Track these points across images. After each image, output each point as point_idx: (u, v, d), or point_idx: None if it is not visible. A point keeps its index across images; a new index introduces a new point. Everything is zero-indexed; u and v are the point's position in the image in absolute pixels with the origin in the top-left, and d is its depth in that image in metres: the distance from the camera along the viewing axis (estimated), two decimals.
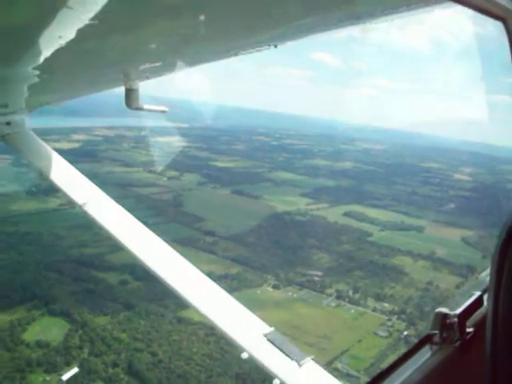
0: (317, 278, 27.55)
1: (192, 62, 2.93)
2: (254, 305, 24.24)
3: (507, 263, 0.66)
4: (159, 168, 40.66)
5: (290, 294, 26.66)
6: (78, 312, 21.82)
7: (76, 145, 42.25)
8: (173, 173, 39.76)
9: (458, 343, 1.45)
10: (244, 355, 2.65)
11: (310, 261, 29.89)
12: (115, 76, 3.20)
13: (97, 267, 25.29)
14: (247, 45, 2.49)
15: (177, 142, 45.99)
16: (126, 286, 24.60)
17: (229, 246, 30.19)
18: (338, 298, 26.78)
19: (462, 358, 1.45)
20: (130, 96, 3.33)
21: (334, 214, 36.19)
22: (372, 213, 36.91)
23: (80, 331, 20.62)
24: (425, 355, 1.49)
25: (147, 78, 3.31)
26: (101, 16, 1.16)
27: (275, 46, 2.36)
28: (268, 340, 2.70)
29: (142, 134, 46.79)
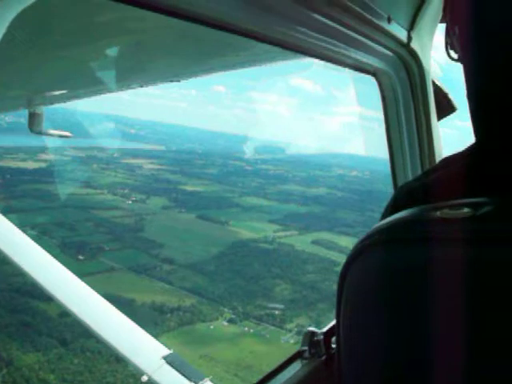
0: (277, 312, 25.75)
1: (95, 91, 3.07)
2: (203, 341, 22.61)
3: (348, 280, 0.57)
4: (125, 190, 40.24)
5: (246, 329, 24.56)
6: (6, 348, 19.56)
7: (42, 164, 41.07)
8: (139, 196, 38.69)
9: (323, 358, 1.66)
10: (144, 378, 2.72)
11: (272, 292, 28.16)
12: (18, 99, 3.31)
13: (38, 297, 22.11)
14: (150, 79, 2.80)
15: (149, 164, 45.89)
16: (66, 318, 20.85)
17: (186, 275, 28.10)
18: (298, 333, 24.04)
19: (327, 371, 1.65)
20: (33, 120, 3.30)
21: (302, 242, 34.79)
22: (342, 241, 35.09)
23: (4, 371, 18.17)
24: (295, 369, 1.66)
25: (51, 103, 3.56)
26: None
27: (178, 81, 2.78)
28: (167, 362, 2.76)
29: (115, 155, 46.79)
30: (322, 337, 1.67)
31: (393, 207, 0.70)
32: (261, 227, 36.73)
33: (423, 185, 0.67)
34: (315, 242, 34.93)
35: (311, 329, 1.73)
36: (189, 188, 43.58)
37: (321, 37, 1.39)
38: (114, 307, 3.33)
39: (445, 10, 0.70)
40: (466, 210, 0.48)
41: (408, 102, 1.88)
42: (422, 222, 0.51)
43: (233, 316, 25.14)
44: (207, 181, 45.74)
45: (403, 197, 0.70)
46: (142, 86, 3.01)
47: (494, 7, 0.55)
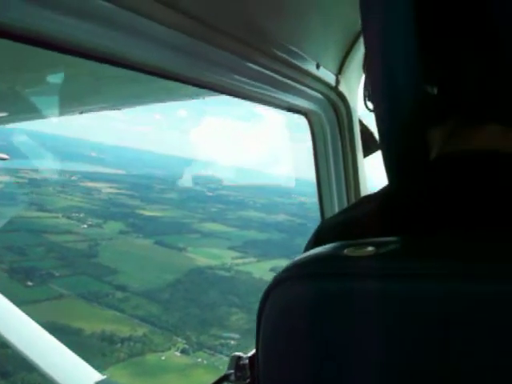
0: (232, 342, 24.89)
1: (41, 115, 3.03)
2: (153, 373, 21.97)
3: (265, 310, 0.62)
4: (81, 215, 39.32)
5: (199, 360, 23.72)
6: None
7: None
8: (95, 220, 37.77)
9: (247, 381, 1.78)
10: None
11: (228, 321, 27.46)
12: None
13: None
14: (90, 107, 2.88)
15: (107, 188, 45.05)
16: (6, 349, 21.26)
17: (140, 303, 27.09)
18: None
19: None
20: None
21: (260, 269, 33.75)
22: None
23: None
24: None
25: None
26: None
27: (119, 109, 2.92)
28: None
29: (73, 178, 45.83)
30: (247, 361, 1.78)
31: (314, 242, 0.72)
32: (219, 254, 36.09)
33: (342, 221, 0.71)
34: (273, 270, 34.61)
35: (237, 353, 1.84)
36: (147, 213, 42.87)
37: (253, 82, 1.45)
38: (54, 337, 3.26)
39: (365, 61, 0.77)
40: (370, 248, 0.52)
41: (336, 140, 1.97)
42: (329, 259, 0.55)
43: (186, 346, 24.40)
44: (167, 206, 45.18)
45: (324, 232, 0.73)
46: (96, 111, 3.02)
47: (397, 70, 0.62)
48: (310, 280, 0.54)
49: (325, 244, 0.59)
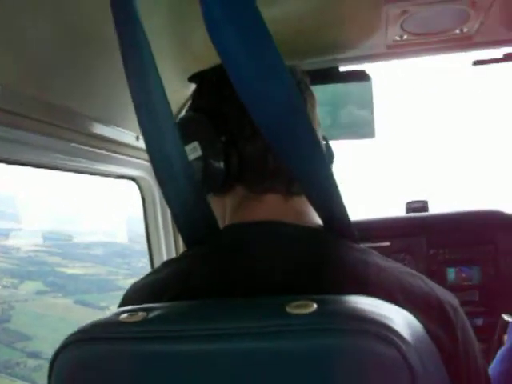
0: None
1: None
2: None
3: (54, 370, 0.60)
4: None
5: None
6: None
7: None
8: (10, 280, 35.85)
9: None
10: None
11: None
12: None
13: None
14: None
15: (25, 245, 42.86)
16: None
17: None
18: None
19: None
20: None
21: None
22: None
23: None
24: None
25: None
26: None
27: None
28: None
29: None
30: None
31: (121, 303, 0.74)
32: None
33: (147, 283, 0.72)
34: None
35: None
36: (68, 270, 40.94)
37: (74, 158, 1.48)
38: None
39: None
40: (140, 313, 0.56)
41: (164, 202, 2.05)
42: (106, 325, 0.57)
43: None
44: (89, 262, 43.42)
45: (130, 294, 0.73)
46: None
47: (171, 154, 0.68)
48: (90, 344, 0.57)
49: (131, 305, 0.62)
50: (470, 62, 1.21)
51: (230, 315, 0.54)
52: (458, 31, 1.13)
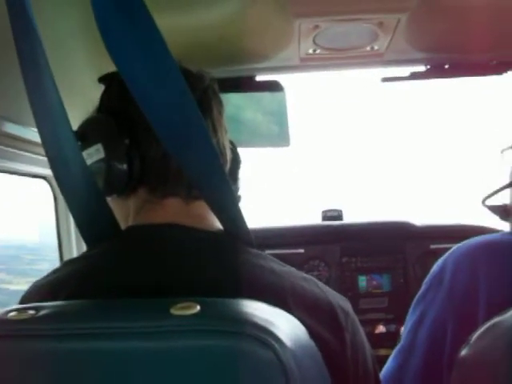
0: None
1: None
2: None
3: None
4: None
5: None
6: None
7: None
8: None
9: None
10: None
11: None
12: None
13: None
14: None
15: None
16: None
17: None
18: None
19: None
20: None
21: None
22: None
23: None
24: None
25: None
26: None
27: None
28: None
29: None
30: None
31: (19, 302, 0.73)
32: None
33: (47, 282, 0.71)
34: None
35: None
36: (13, 287, 38.76)
37: None
38: None
39: None
40: (30, 312, 0.55)
41: None
42: None
43: None
44: (35, 278, 41.14)
45: (30, 293, 0.73)
46: None
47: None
48: None
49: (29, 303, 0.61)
50: (380, 79, 1.28)
51: (116, 315, 0.55)
52: (368, 48, 1.19)
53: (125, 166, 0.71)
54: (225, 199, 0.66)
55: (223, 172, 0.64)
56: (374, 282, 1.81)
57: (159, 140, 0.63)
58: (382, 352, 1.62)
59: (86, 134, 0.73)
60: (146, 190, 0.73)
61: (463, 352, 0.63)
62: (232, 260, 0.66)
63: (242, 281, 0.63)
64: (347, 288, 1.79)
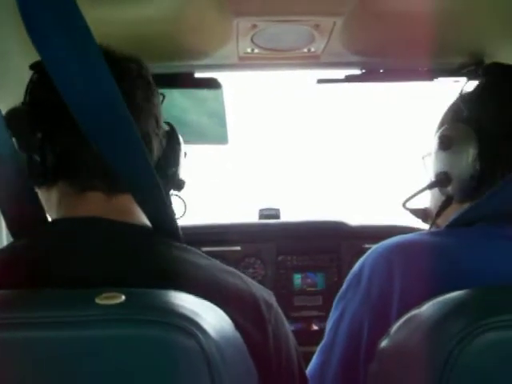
0: None
1: None
2: None
3: None
4: None
5: None
6: None
7: None
8: None
9: None
10: None
11: None
12: None
13: None
14: None
15: None
16: None
17: None
18: None
19: None
20: None
21: None
22: None
23: None
24: None
25: None
26: None
27: None
28: None
29: None
30: None
31: None
32: None
33: None
34: None
35: None
36: None
37: None
38: None
39: None
40: None
41: None
42: None
43: None
44: None
45: None
46: None
47: None
48: None
49: None
50: (316, 80, 1.31)
51: (40, 305, 0.54)
52: (305, 50, 1.21)
53: (38, 159, 0.71)
54: (153, 193, 0.66)
55: (147, 162, 0.63)
56: (309, 280, 1.85)
57: (77, 132, 0.62)
58: (317, 349, 1.66)
59: (8, 125, 0.72)
60: (66, 183, 0.73)
61: (383, 343, 0.66)
62: (155, 253, 0.66)
63: (165, 273, 0.63)
64: (282, 286, 1.82)
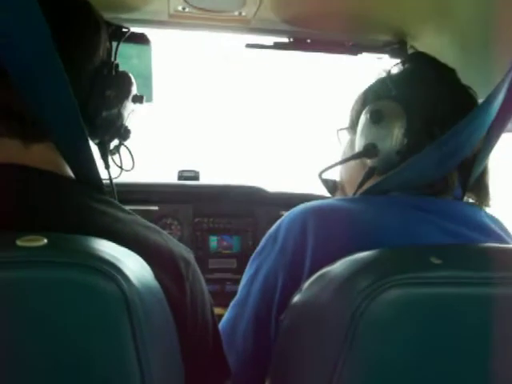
0: None
1: None
2: None
3: None
4: None
5: None
6: None
7: None
8: None
9: None
10: None
11: None
12: None
13: None
14: None
15: None
16: None
17: None
18: None
19: None
20: None
21: None
22: None
23: None
24: None
25: None
26: None
27: None
28: None
29: None
30: None
31: None
32: None
33: None
34: None
35: None
36: None
37: None
38: None
39: None
40: None
41: None
42: None
43: None
44: None
45: None
46: None
47: None
48: None
49: None
50: (244, 45, 1.32)
51: None
52: (236, 13, 1.22)
53: None
54: (77, 144, 0.65)
55: (73, 108, 0.61)
56: (225, 243, 1.89)
57: None
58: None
59: None
60: None
61: (295, 298, 0.71)
62: (73, 203, 0.66)
63: (81, 224, 0.64)
64: (198, 247, 1.85)
